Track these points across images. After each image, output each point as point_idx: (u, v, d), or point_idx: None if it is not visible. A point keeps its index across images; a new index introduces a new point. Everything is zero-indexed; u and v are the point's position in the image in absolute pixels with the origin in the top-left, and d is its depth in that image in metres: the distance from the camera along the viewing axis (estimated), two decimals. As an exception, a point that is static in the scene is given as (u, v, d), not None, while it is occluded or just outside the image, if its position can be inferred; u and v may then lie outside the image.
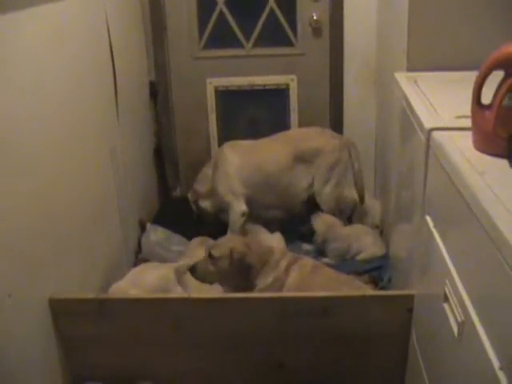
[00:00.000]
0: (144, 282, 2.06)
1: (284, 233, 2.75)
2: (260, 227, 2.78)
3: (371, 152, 3.07)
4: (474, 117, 1.36)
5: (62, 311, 1.80)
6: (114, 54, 2.42)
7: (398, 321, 1.75)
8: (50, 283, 1.80)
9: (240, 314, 1.82)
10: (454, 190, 1.26)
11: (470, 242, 1.19)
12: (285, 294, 1.95)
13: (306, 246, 2.79)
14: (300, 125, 3.13)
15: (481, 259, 1.11)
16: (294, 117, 3.16)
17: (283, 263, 2.16)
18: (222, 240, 2.19)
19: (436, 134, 1.49)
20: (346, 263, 2.61)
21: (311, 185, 2.77)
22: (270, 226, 2.86)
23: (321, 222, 2.71)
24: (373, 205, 2.94)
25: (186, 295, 1.94)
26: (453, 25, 2.08)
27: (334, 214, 2.80)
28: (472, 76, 2.04)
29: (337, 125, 3.05)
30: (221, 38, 3.07)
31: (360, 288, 2.14)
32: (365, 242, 2.65)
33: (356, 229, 2.77)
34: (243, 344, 1.85)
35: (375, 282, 2.37)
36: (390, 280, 2.39)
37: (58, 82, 1.89)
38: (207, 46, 3.09)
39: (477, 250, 1.13)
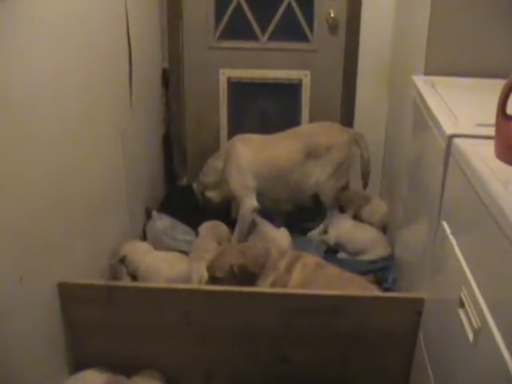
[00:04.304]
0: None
1: (289, 226, 2.77)
2: (266, 222, 2.79)
3: (380, 152, 3.07)
4: (498, 127, 1.36)
5: (71, 296, 1.81)
6: (131, 39, 2.41)
7: (406, 323, 1.77)
8: (59, 268, 1.81)
9: (249, 308, 1.83)
10: (476, 198, 1.27)
11: (490, 251, 1.20)
12: (295, 290, 1.95)
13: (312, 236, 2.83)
14: (311, 121, 3.12)
15: (501, 268, 1.12)
16: (305, 112, 3.15)
17: (282, 264, 2.14)
18: (219, 256, 2.14)
19: (458, 141, 1.50)
20: (351, 262, 2.62)
21: (318, 179, 2.78)
22: (276, 219, 2.88)
23: (334, 228, 2.78)
24: (378, 204, 2.96)
25: (196, 286, 1.95)
26: (473, 31, 2.07)
27: (331, 206, 2.83)
28: (490, 84, 2.06)
29: (347, 123, 3.04)
30: (237, 29, 3.05)
31: (365, 287, 2.14)
32: (371, 243, 2.67)
33: (362, 228, 2.78)
34: (250, 337, 1.86)
35: (379, 282, 2.38)
36: (394, 281, 2.41)
37: (75, 65, 1.88)
38: (222, 37, 3.07)
39: (498, 258, 1.14)
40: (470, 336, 1.22)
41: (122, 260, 2.26)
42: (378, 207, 2.95)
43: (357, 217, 2.94)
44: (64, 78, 1.80)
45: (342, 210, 2.92)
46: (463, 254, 1.36)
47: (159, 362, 1.90)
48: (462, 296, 1.29)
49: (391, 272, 2.49)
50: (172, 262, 2.34)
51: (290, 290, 1.99)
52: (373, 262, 2.63)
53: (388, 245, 2.68)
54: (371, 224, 2.87)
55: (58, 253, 1.79)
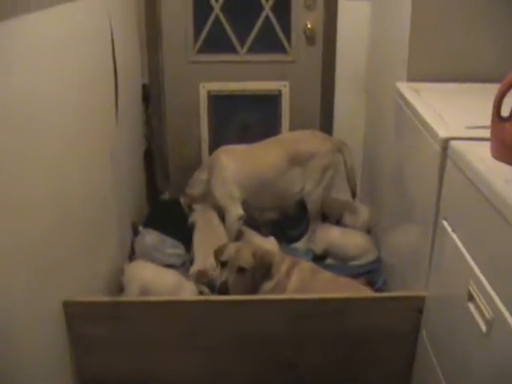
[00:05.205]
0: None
1: (275, 235, 2.81)
2: (253, 232, 2.82)
3: (359, 159, 3.15)
4: (494, 129, 1.44)
5: (76, 314, 1.80)
6: (116, 57, 2.42)
7: (408, 321, 1.82)
8: (63, 286, 1.79)
9: (254, 316, 1.85)
10: (479, 196, 1.34)
11: (496, 243, 1.27)
12: (297, 295, 1.98)
13: (298, 247, 2.87)
14: (291, 130, 3.17)
15: (508, 256, 1.18)
16: (285, 122, 3.22)
17: (284, 267, 2.22)
18: (239, 250, 2.18)
19: (454, 144, 1.57)
20: (340, 267, 2.67)
21: (304, 187, 2.83)
22: (263, 228, 2.91)
23: (321, 237, 2.82)
24: (361, 209, 3.03)
25: (200, 297, 1.96)
26: (454, 37, 2.17)
27: (317, 214, 2.88)
28: (473, 88, 2.16)
29: (327, 131, 3.11)
30: (216, 42, 3.10)
31: (360, 290, 2.21)
32: (361, 250, 2.73)
33: (351, 235, 2.84)
34: (256, 345, 1.88)
35: (371, 284, 2.44)
36: (385, 282, 2.47)
37: (65, 84, 1.86)
38: (202, 51, 3.10)
39: (504, 249, 1.21)
40: (483, 327, 1.28)
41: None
42: (360, 212, 3.02)
43: (340, 222, 3.01)
44: (62, 98, 1.79)
45: (323, 217, 2.98)
46: (467, 249, 1.42)
47: (166, 376, 1.90)
48: (471, 289, 1.35)
49: (381, 274, 2.56)
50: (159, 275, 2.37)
51: (293, 295, 2.03)
52: (361, 265, 2.70)
53: (375, 249, 2.75)
54: (355, 228, 2.94)
55: (61, 271, 1.77)
